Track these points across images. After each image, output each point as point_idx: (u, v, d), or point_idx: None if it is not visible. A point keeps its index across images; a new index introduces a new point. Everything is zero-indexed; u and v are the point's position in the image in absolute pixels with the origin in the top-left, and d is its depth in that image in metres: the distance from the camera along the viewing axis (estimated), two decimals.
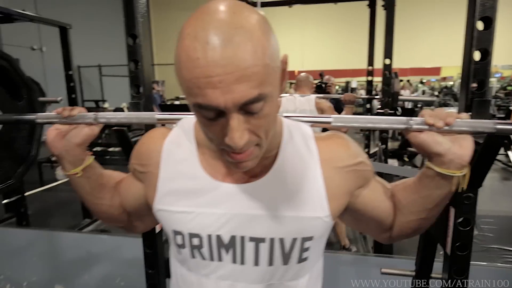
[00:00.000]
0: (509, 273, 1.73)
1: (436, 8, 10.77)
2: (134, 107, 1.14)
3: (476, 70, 0.92)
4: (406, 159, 4.91)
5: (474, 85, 0.93)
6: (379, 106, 2.47)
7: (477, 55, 0.92)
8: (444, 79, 11.11)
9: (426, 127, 0.60)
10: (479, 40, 0.89)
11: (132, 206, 0.74)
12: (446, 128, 0.59)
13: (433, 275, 1.36)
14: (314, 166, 0.60)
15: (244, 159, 0.51)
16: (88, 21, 7.81)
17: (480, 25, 0.89)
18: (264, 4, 3.25)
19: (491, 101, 0.93)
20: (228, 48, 0.43)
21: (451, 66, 10.54)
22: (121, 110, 5.80)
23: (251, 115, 0.47)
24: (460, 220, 1.03)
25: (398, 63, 2.40)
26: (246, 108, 0.46)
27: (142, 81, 1.13)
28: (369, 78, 2.84)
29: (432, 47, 10.92)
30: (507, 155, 5.24)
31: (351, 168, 0.62)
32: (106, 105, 6.86)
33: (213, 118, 0.47)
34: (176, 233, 0.62)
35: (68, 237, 2.29)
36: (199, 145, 0.62)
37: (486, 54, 0.90)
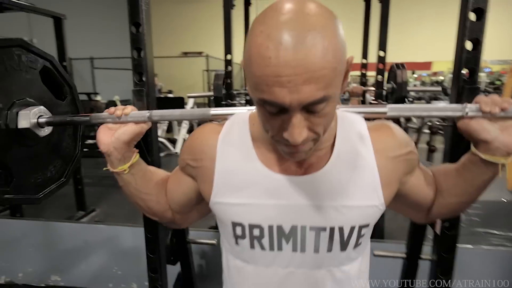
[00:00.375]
0: (493, 255, 1.81)
1: (428, 3, 10.87)
2: (137, 94, 1.15)
3: (467, 59, 0.97)
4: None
5: (464, 71, 0.98)
6: (373, 98, 2.52)
7: (468, 45, 0.96)
8: (435, 74, 11.24)
9: (480, 114, 0.61)
10: (471, 30, 0.94)
11: (180, 202, 0.76)
12: (502, 114, 0.60)
13: (422, 256, 1.43)
14: (369, 157, 0.63)
15: (299, 151, 0.54)
16: (80, 13, 7.69)
17: (472, 16, 0.93)
18: None
19: (480, 89, 0.98)
20: (300, 50, 0.44)
21: (442, 61, 10.67)
22: (113, 103, 5.75)
23: (312, 114, 0.50)
24: None
25: (390, 57, 2.44)
26: (309, 108, 0.49)
27: (145, 69, 1.16)
28: (363, 71, 2.90)
29: (424, 42, 11.04)
30: None
31: (402, 157, 0.65)
32: (98, 98, 6.79)
33: (275, 113, 0.50)
34: (236, 224, 0.64)
35: (64, 227, 2.29)
36: (254, 139, 0.64)
37: (477, 44, 0.95)
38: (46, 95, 0.89)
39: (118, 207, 3.84)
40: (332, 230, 0.62)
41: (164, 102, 5.33)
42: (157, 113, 0.75)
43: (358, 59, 2.97)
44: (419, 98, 7.93)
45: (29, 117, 0.78)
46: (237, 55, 2.79)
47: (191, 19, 11.68)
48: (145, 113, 0.73)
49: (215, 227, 2.22)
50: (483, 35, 0.95)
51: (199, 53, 10.75)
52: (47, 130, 0.84)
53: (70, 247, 2.23)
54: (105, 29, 9.22)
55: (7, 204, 0.85)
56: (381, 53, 2.22)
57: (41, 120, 0.80)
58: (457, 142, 0.98)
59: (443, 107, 0.68)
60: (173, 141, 6.49)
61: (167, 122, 6.80)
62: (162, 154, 5.78)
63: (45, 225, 2.29)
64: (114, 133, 0.71)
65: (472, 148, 0.64)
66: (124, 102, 6.68)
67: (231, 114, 0.71)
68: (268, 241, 0.64)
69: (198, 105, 4.67)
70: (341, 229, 0.62)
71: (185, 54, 11.46)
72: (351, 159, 0.62)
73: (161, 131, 6.50)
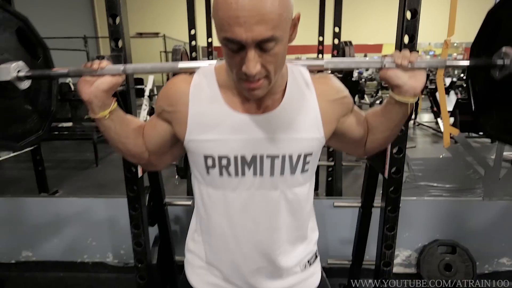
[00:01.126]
0: (433, 204, 2.11)
1: None
2: (115, 59, 1.22)
3: (407, 27, 1.16)
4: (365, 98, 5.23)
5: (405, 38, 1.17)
6: (328, 72, 2.71)
7: (408, 14, 1.16)
8: (385, 56, 11.87)
9: (394, 65, 0.77)
10: (409, 2, 1.13)
11: (156, 144, 0.85)
12: (410, 65, 0.75)
13: (374, 204, 1.65)
14: (312, 100, 0.78)
15: (256, 87, 0.67)
16: None
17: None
18: None
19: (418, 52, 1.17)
20: None
21: (392, 44, 11.27)
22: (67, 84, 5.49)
23: (264, 52, 0.62)
24: (395, 149, 1.29)
25: (343, 39, 2.63)
26: (261, 46, 0.61)
27: (122, 35, 1.22)
28: (320, 48, 3.08)
29: (375, 26, 11.59)
30: (436, 122, 5.93)
31: (339, 101, 0.81)
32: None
33: (236, 50, 0.62)
34: (207, 157, 0.77)
35: (33, 202, 2.25)
36: (220, 86, 0.77)
37: (415, 14, 1.14)
38: (22, 54, 0.93)
39: (80, 189, 3.79)
40: (283, 157, 0.78)
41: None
42: (131, 66, 0.83)
43: (315, 38, 3.15)
44: (371, 79, 8.46)
45: (10, 71, 0.83)
46: (201, 32, 2.85)
47: None
48: (120, 66, 0.81)
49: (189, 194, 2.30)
50: (420, 6, 1.14)
51: (156, 34, 10.44)
52: (26, 84, 0.89)
53: (41, 222, 2.22)
54: (56, 9, 8.64)
55: None
56: (336, 29, 2.41)
57: (21, 74, 0.85)
58: None
59: (368, 61, 0.86)
60: None
61: None
62: None
63: (12, 202, 2.24)
64: (93, 83, 0.79)
65: (390, 92, 0.82)
66: None
67: (197, 68, 0.83)
68: (234, 168, 0.77)
69: (157, 86, 4.61)
70: (290, 157, 0.78)
71: (140, 34, 11.06)
72: (298, 102, 0.78)
73: None
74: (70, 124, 5.48)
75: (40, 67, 0.98)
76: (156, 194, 1.70)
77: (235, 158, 0.76)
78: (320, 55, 3.17)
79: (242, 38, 0.60)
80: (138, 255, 1.46)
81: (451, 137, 1.95)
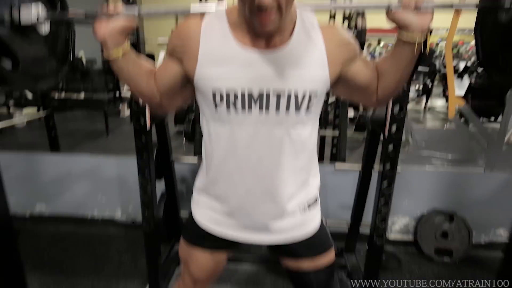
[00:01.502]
0: (434, 174, 2.15)
1: None
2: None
3: None
4: (362, 108, 5.31)
5: None
6: None
7: None
8: None
9: (400, 8, 0.79)
10: None
11: (167, 85, 0.90)
12: (418, 6, 0.79)
13: (375, 169, 1.70)
14: (319, 41, 0.82)
15: (268, 21, 0.71)
16: None
17: None
18: None
19: None
20: None
21: None
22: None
23: None
24: (396, 107, 1.32)
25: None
26: None
27: None
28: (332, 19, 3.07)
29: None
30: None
31: (344, 46, 0.84)
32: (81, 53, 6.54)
33: None
34: (216, 91, 0.80)
35: (46, 158, 2.35)
36: (231, 25, 0.80)
37: None
38: (42, 1, 0.98)
39: None
40: (289, 93, 0.81)
41: None
42: (144, 11, 0.87)
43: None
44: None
45: (30, 13, 0.88)
46: None
47: None
48: (134, 9, 0.84)
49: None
50: None
51: None
52: (46, 29, 0.94)
53: (54, 177, 2.32)
54: None
55: (15, 87, 0.95)
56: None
57: (40, 16, 0.90)
58: None
59: (374, 4, 0.85)
60: None
61: None
62: None
63: (28, 157, 2.35)
64: (108, 25, 0.82)
65: (398, 34, 0.83)
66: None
67: (209, 11, 0.86)
68: (241, 103, 0.82)
69: None
70: (296, 94, 0.82)
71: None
72: (305, 41, 0.82)
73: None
74: (82, 95, 5.60)
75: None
76: (164, 151, 1.77)
77: (243, 92, 0.80)
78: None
79: None
80: (145, 204, 1.54)
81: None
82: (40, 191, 2.38)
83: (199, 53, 0.81)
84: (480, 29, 1.04)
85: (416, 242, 2.21)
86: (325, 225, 1.02)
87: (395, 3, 0.80)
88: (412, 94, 7.40)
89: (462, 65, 6.77)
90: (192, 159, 1.87)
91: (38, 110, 5.17)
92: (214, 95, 0.82)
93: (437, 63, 7.21)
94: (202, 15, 0.86)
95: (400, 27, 0.81)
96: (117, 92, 5.01)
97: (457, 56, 10.05)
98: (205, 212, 0.97)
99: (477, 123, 2.06)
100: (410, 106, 6.73)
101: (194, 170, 2.18)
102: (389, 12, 0.80)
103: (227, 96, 0.81)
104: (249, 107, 0.82)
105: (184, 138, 3.47)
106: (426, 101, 6.56)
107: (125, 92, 5.67)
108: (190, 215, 1.02)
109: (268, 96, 0.81)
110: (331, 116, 3.05)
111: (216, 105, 0.83)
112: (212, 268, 1.04)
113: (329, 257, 1.00)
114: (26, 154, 2.38)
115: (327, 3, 0.87)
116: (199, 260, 1.02)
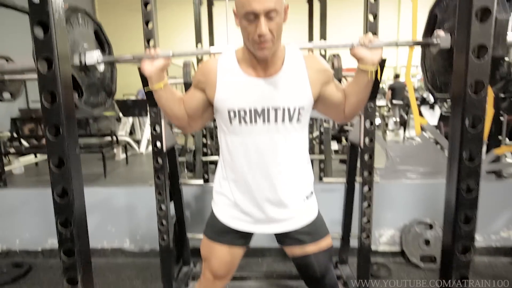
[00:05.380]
0: (410, 185, 2.43)
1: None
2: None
3: (370, 27, 1.54)
4: (344, 141, 5.69)
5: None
6: None
7: (371, 17, 1.54)
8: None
9: (360, 45, 1.09)
10: (371, 7, 1.52)
11: (193, 108, 1.17)
12: (370, 44, 1.08)
13: (356, 179, 1.97)
14: (303, 69, 1.11)
15: (265, 47, 1.00)
16: None
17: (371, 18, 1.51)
18: None
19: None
20: None
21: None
22: None
23: (270, 20, 0.97)
24: (367, 122, 1.63)
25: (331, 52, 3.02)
26: (268, 15, 0.96)
27: (154, 37, 1.59)
28: None
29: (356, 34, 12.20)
30: None
31: (321, 72, 1.13)
32: None
33: (252, 20, 0.97)
34: (230, 110, 1.09)
35: None
36: (238, 61, 1.11)
37: (375, 17, 1.53)
38: (96, 47, 1.29)
39: None
40: (283, 109, 1.11)
41: (128, 106, 5.63)
42: (176, 51, 1.19)
43: (305, 51, 3.58)
44: None
45: (93, 56, 1.18)
46: (205, 46, 3.24)
47: None
48: (169, 52, 1.16)
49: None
50: (378, 13, 1.53)
51: None
52: (102, 68, 1.24)
53: None
54: None
55: (79, 113, 1.21)
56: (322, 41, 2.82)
57: (99, 59, 1.21)
58: None
59: (342, 43, 1.18)
60: (138, 142, 6.72)
61: (131, 124, 7.01)
62: (128, 154, 5.98)
63: (41, 193, 2.52)
64: (152, 64, 1.13)
65: (357, 64, 1.14)
66: None
67: (223, 51, 1.17)
68: (249, 117, 1.10)
69: None
70: (288, 108, 1.11)
71: None
72: (293, 69, 1.12)
73: (124, 132, 6.70)
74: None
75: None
76: (173, 174, 2.01)
77: (250, 110, 1.09)
78: None
79: (257, 9, 0.95)
80: (161, 219, 1.75)
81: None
82: (52, 226, 2.51)
83: (217, 83, 1.11)
84: (424, 60, 1.40)
85: (402, 252, 2.43)
86: (321, 215, 1.26)
87: (357, 42, 1.12)
88: (391, 126, 7.91)
89: (432, 97, 7.40)
90: (198, 181, 2.10)
91: (35, 156, 5.37)
92: (229, 113, 1.11)
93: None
94: (218, 54, 1.18)
95: (358, 60, 1.12)
96: (114, 136, 5.26)
97: (428, 89, 10.86)
98: (225, 209, 1.21)
99: (441, 139, 2.40)
100: (390, 137, 7.18)
101: (197, 195, 2.40)
102: (351, 49, 1.13)
103: (239, 113, 1.10)
104: (255, 120, 1.10)
105: (185, 169, 3.69)
106: (404, 132, 7.03)
107: (120, 136, 5.93)
108: (212, 214, 1.25)
109: (268, 111, 1.10)
110: (317, 148, 3.37)
111: (230, 121, 1.12)
112: (230, 261, 1.24)
113: (327, 240, 1.22)
114: (37, 190, 2.56)
115: (308, 43, 1.20)
116: (219, 253, 1.22)
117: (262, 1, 0.95)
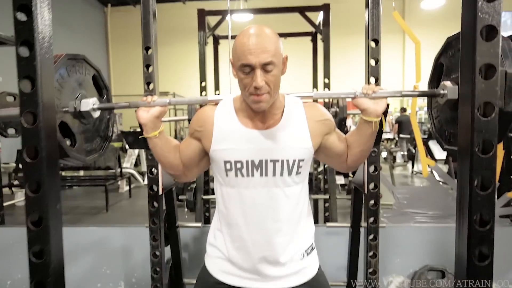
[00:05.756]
0: (418, 230, 2.31)
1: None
2: None
3: (372, 71, 1.52)
4: (350, 175, 5.61)
5: (372, 79, 1.52)
6: None
7: (372, 62, 1.52)
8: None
9: (363, 95, 1.03)
10: (372, 52, 1.50)
11: (188, 158, 1.11)
12: (374, 95, 1.02)
13: (362, 224, 1.88)
14: (303, 120, 1.06)
15: (261, 100, 0.97)
16: None
17: (372, 44, 1.49)
18: (221, 37, 3.78)
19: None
20: (259, 37, 0.93)
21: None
22: None
23: (267, 73, 0.94)
24: (371, 167, 1.57)
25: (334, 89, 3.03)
26: (264, 67, 0.93)
27: (154, 80, 1.59)
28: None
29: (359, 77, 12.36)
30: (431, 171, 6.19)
31: (322, 122, 1.08)
32: None
33: (248, 72, 0.95)
34: (226, 161, 1.03)
35: None
36: (236, 111, 1.06)
37: (377, 62, 1.51)
38: (94, 92, 1.28)
39: None
40: (282, 161, 1.05)
41: (134, 138, 5.65)
42: (173, 100, 1.17)
43: (309, 88, 3.59)
44: None
45: (89, 103, 1.17)
46: (210, 84, 3.28)
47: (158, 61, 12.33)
48: (166, 100, 1.13)
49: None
50: (380, 56, 1.51)
51: (166, 93, 11.22)
52: (97, 114, 1.22)
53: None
54: None
55: (72, 161, 1.17)
56: (326, 80, 2.82)
57: (95, 106, 1.19)
58: None
59: (344, 92, 1.14)
60: (142, 174, 6.69)
61: (136, 155, 7.02)
62: (132, 186, 5.94)
63: None
64: (148, 111, 1.09)
65: (361, 114, 1.09)
66: None
67: (220, 99, 1.14)
68: (246, 170, 1.05)
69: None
70: (287, 161, 1.05)
71: None
72: (293, 121, 1.07)
73: (129, 164, 6.69)
74: (81, 173, 5.81)
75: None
76: (170, 216, 1.94)
77: (247, 162, 1.04)
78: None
79: (252, 62, 0.93)
80: (154, 266, 1.66)
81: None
82: None
83: (213, 133, 1.07)
84: (430, 108, 1.34)
85: None
86: (322, 271, 1.17)
87: (359, 91, 1.07)
88: (398, 160, 7.79)
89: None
90: (196, 224, 2.03)
91: None
92: (225, 164, 1.05)
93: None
94: (216, 103, 1.15)
95: (361, 110, 1.06)
96: (118, 169, 5.25)
97: (436, 139, 10.80)
98: (218, 263, 1.13)
99: (450, 181, 2.30)
100: (398, 171, 7.06)
101: (196, 236, 2.31)
102: (353, 98, 1.07)
103: (235, 164, 1.04)
104: (252, 173, 1.04)
105: (186, 208, 3.62)
106: (412, 166, 6.91)
107: (125, 168, 5.91)
108: (203, 268, 1.17)
109: (266, 163, 1.04)
110: (322, 183, 3.30)
111: (226, 172, 1.06)
112: None
113: None
114: None
115: (310, 92, 1.17)
116: None
117: (258, 54, 0.92)
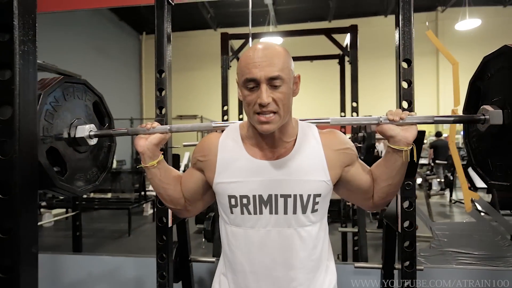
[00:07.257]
0: (462, 273, 2.01)
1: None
2: (159, 122, 1.49)
3: (404, 94, 1.35)
4: None
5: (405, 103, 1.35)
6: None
7: (404, 84, 1.35)
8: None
9: (388, 121, 0.90)
10: (404, 74, 1.34)
11: (190, 190, 1.01)
12: (401, 121, 0.89)
13: (395, 266, 1.64)
14: (319, 149, 0.92)
15: (268, 121, 0.83)
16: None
17: (404, 64, 1.33)
18: None
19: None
20: (265, 50, 0.84)
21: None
22: None
23: (274, 89, 0.82)
24: (405, 203, 1.36)
25: (363, 113, 2.86)
26: (271, 82, 0.82)
27: (166, 105, 1.50)
28: None
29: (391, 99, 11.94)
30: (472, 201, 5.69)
31: (341, 151, 0.94)
32: None
33: (253, 88, 0.83)
34: (231, 196, 0.91)
35: (69, 259, 2.41)
36: (242, 139, 0.95)
37: (410, 84, 1.34)
38: (94, 120, 1.20)
39: None
40: (295, 196, 0.89)
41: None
42: (175, 126, 1.05)
43: (337, 112, 3.42)
44: None
45: (84, 130, 1.08)
46: (232, 108, 3.21)
47: (187, 86, 12.62)
48: (167, 126, 1.03)
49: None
50: (413, 77, 1.34)
51: (194, 116, 11.41)
52: (94, 141, 1.13)
53: (75, 279, 2.33)
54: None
55: (60, 192, 1.07)
56: (354, 104, 2.65)
57: (91, 133, 1.10)
58: None
59: (367, 118, 0.99)
60: None
61: None
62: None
63: (51, 258, 2.41)
64: (147, 139, 0.99)
65: (387, 143, 0.93)
66: None
67: (226, 126, 1.03)
68: (253, 207, 0.90)
69: None
70: (301, 196, 0.90)
71: (180, 117, 12.12)
72: (306, 150, 0.93)
73: None
74: (109, 194, 5.87)
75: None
76: (183, 250, 1.81)
77: (254, 197, 0.90)
78: (342, 129, 3.38)
79: (257, 76, 0.81)
80: None
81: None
82: None
83: (216, 164, 0.94)
84: (468, 138, 1.15)
85: None
86: None
87: (384, 117, 0.92)
88: (434, 187, 7.29)
89: None
90: (209, 259, 1.88)
91: (67, 212, 5.41)
92: (229, 200, 0.92)
93: None
94: (222, 129, 1.02)
95: (387, 138, 0.91)
96: (143, 192, 5.24)
97: (478, 172, 10.12)
98: None
99: (498, 217, 2.02)
100: (434, 199, 6.56)
101: (211, 271, 2.15)
102: (377, 125, 0.92)
103: (241, 200, 0.90)
104: (260, 210, 0.90)
105: (203, 237, 3.49)
106: (451, 194, 6.41)
107: (150, 191, 5.91)
108: None
109: (276, 199, 0.89)
110: (351, 212, 3.05)
111: (231, 209, 0.92)
112: None
113: None
114: (49, 255, 2.45)
115: (327, 118, 1.01)
116: None
117: (263, 67, 0.81)
